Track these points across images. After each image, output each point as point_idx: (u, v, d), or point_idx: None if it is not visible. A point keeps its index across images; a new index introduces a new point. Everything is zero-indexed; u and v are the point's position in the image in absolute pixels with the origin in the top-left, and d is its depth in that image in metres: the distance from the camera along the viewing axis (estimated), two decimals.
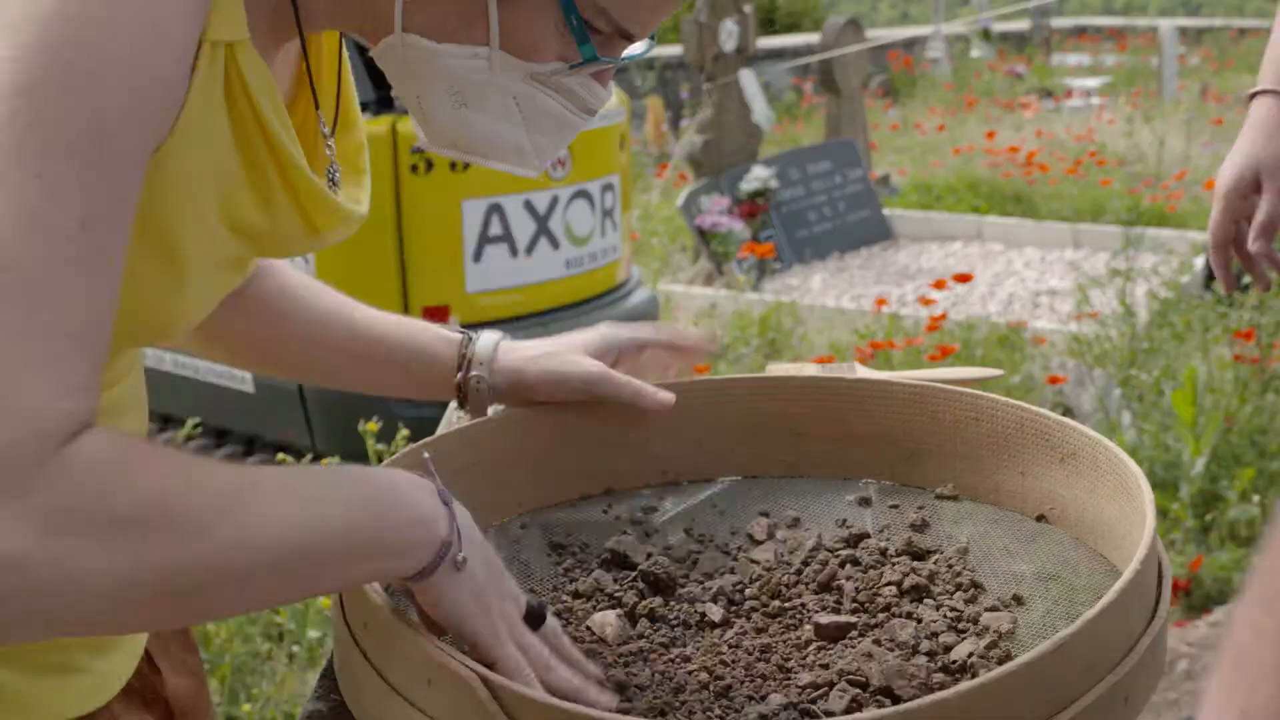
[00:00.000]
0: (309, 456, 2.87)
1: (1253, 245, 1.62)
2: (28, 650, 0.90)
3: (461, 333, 1.11)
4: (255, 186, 0.84)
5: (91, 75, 0.68)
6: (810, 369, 1.22)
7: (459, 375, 1.09)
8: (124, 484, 0.66)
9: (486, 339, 1.10)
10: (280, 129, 0.82)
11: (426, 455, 0.89)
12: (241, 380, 3.79)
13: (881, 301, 5.09)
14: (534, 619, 0.84)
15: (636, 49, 0.90)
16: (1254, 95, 1.64)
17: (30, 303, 0.65)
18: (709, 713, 0.82)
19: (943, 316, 4.54)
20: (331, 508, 0.74)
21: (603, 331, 1.12)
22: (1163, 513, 3.33)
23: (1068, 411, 3.95)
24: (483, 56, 0.83)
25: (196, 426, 3.18)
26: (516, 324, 3.70)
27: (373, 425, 2.50)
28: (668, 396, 1.08)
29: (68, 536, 0.63)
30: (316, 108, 0.92)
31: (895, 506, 1.07)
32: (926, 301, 4.71)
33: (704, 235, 6.57)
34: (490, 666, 0.78)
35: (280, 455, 2.69)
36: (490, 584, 0.82)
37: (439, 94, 0.85)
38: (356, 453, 2.70)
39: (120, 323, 0.73)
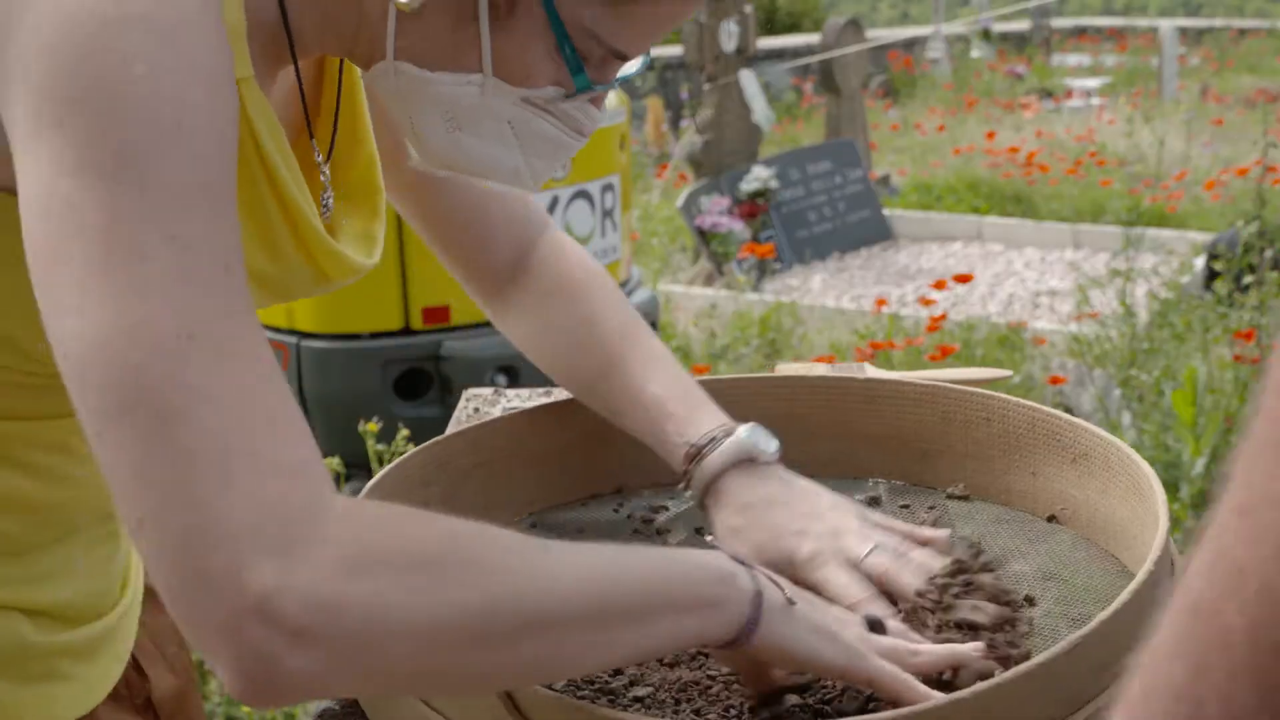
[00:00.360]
0: None
1: None
2: (11, 659, 0.89)
3: (691, 446, 0.98)
4: (260, 232, 0.83)
5: (178, 124, 0.66)
6: (820, 369, 1.22)
7: (680, 483, 1.00)
8: (415, 526, 0.65)
9: (714, 463, 0.96)
10: (287, 175, 0.81)
11: (709, 537, 0.87)
12: None
13: (881, 302, 5.09)
14: (877, 626, 0.82)
15: (630, 68, 0.89)
16: None
17: (233, 361, 0.63)
18: (720, 710, 0.82)
19: (943, 317, 4.54)
20: (629, 568, 0.71)
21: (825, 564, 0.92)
22: None
23: (1068, 412, 3.95)
24: (475, 83, 0.82)
25: None
26: None
27: (373, 425, 2.50)
28: None
29: (371, 577, 0.61)
30: (311, 136, 0.91)
31: (906, 506, 1.07)
32: (927, 302, 4.71)
33: (704, 235, 6.57)
34: (865, 685, 0.78)
35: None
36: (823, 614, 0.80)
37: (432, 117, 0.84)
38: (356, 453, 2.70)
39: None
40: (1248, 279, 4.64)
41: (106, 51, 0.65)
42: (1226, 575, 0.33)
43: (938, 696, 0.75)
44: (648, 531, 1.06)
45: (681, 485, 0.99)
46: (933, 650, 0.80)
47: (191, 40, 0.68)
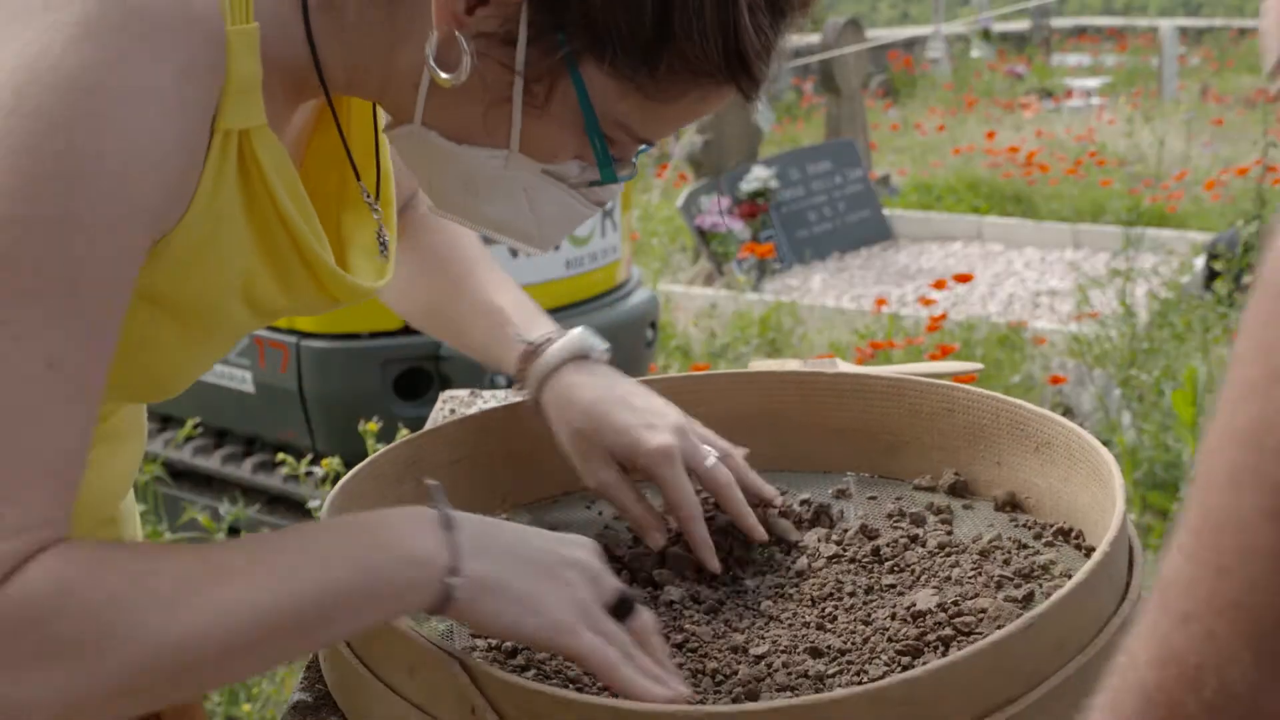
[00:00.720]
0: (309, 457, 2.88)
1: None
2: None
3: (528, 345, 1.05)
4: (275, 269, 0.84)
5: (71, 209, 0.67)
6: (791, 365, 1.24)
7: (515, 384, 1.06)
8: (64, 606, 0.66)
9: (549, 360, 1.03)
10: (299, 219, 0.82)
11: (431, 483, 0.89)
12: (242, 380, 3.81)
13: (881, 302, 5.10)
14: (620, 610, 0.81)
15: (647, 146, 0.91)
16: None
17: None
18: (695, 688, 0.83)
19: (943, 317, 4.55)
20: (307, 571, 0.73)
21: (651, 446, 0.99)
22: (1163, 513, 3.34)
23: (1068, 412, 3.96)
24: (499, 157, 0.84)
25: (197, 426, 3.19)
26: None
27: (373, 425, 2.51)
28: (657, 539, 1.00)
29: (7, 671, 0.64)
30: (358, 177, 0.92)
31: (873, 498, 1.09)
32: (927, 302, 4.72)
33: (704, 235, 6.58)
34: (572, 660, 0.78)
35: (280, 455, 2.71)
36: (540, 583, 0.78)
37: (452, 180, 0.86)
38: (356, 452, 2.71)
39: (118, 384, 0.75)
40: (1248, 279, 4.64)
41: (38, 116, 0.67)
42: (1182, 672, 0.38)
43: (658, 688, 0.76)
44: (619, 527, 1.08)
45: (516, 385, 1.05)
46: (648, 668, 0.79)
47: (136, 118, 0.69)
